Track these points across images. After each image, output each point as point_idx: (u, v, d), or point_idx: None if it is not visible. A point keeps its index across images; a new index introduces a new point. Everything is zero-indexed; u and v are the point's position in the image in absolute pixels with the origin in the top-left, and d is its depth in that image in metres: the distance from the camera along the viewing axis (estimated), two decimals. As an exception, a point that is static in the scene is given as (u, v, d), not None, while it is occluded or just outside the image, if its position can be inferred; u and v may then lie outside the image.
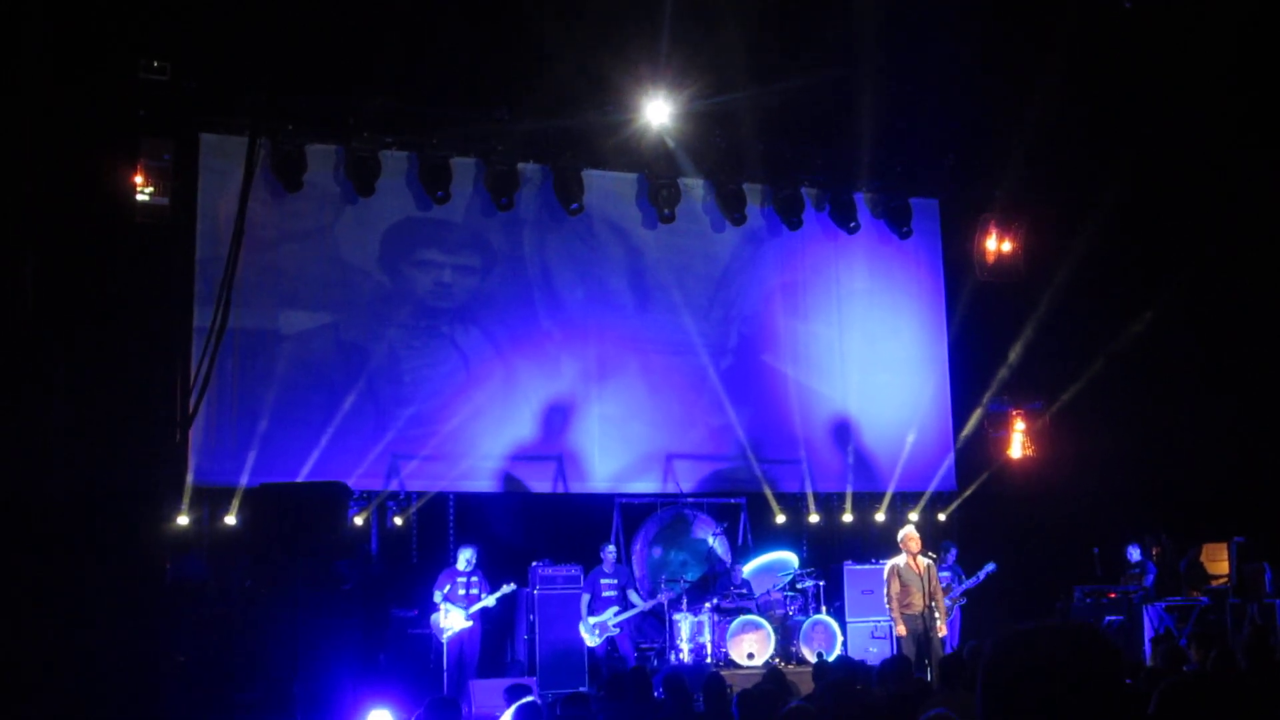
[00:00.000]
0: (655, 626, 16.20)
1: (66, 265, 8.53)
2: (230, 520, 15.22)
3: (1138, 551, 16.62)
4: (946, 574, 16.00)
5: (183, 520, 14.83)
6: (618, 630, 15.49)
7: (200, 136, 15.58)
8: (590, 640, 15.34)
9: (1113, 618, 15.91)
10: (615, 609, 15.49)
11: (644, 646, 16.01)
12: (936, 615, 14.32)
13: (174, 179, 15.00)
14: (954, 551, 16.72)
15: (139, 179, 14.20)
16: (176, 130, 15.08)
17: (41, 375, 8.62)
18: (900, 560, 14.59)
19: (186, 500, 14.95)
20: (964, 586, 16.02)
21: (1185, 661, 10.22)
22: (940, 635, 14.33)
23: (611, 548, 15.94)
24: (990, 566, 15.87)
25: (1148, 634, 15.34)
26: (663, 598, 15.72)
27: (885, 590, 14.59)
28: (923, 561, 14.54)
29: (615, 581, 15.68)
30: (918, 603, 14.33)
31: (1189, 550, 16.98)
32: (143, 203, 14.36)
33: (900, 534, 14.89)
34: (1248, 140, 15.92)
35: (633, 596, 15.79)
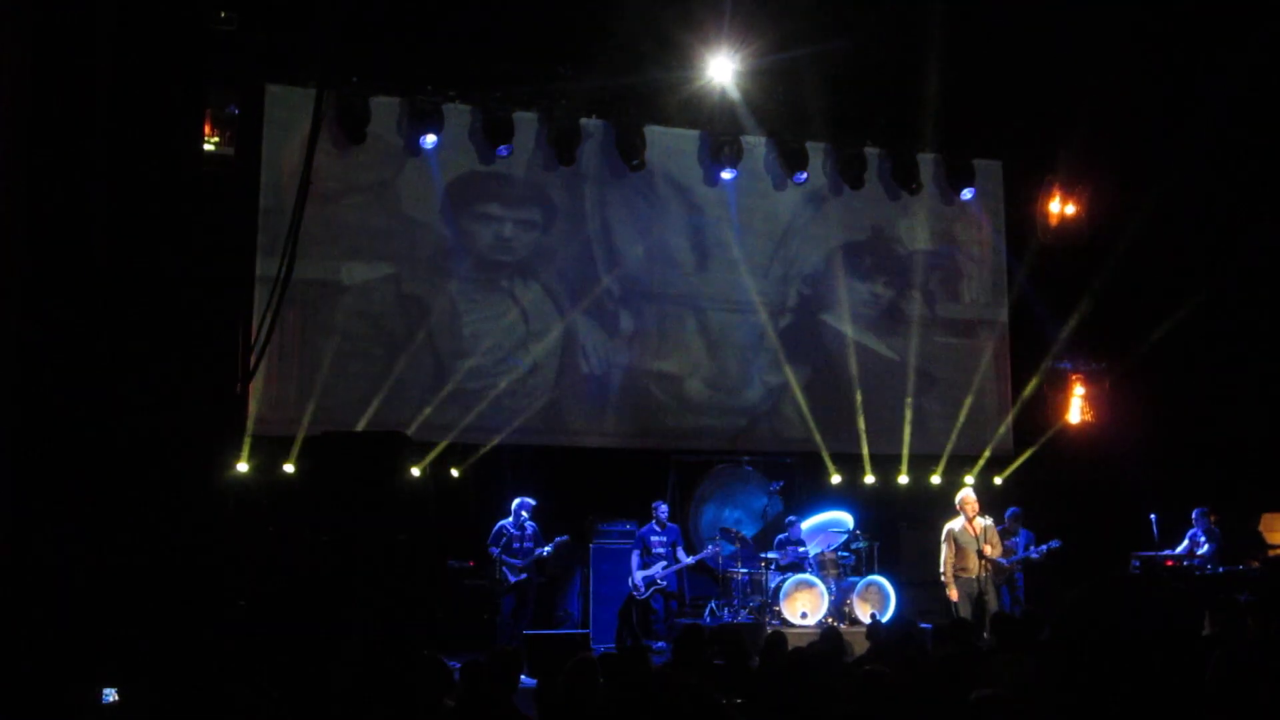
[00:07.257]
0: (708, 583, 16.23)
1: (136, 214, 8.61)
2: (289, 468, 15.37)
3: (1203, 518, 16.37)
4: (1017, 540, 15.89)
5: (242, 467, 14.98)
6: (665, 584, 15.48)
7: (265, 87, 15.65)
8: (640, 594, 15.41)
9: (1168, 585, 15.75)
10: (664, 564, 15.52)
11: (697, 602, 16.06)
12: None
13: (239, 129, 15.09)
14: (1014, 514, 16.43)
15: (206, 129, 14.30)
16: (243, 81, 15.14)
17: (109, 322, 8.73)
18: (956, 524, 14.56)
19: (246, 448, 15.09)
20: (1021, 556, 15.91)
21: (1244, 631, 10.15)
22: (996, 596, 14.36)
23: (665, 505, 15.96)
24: (1054, 543, 15.75)
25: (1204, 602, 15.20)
26: (714, 551, 15.74)
27: (941, 554, 14.60)
28: (979, 524, 14.50)
29: (666, 539, 15.69)
30: (973, 566, 14.32)
31: (1249, 518, 16.81)
32: (209, 153, 14.47)
33: (958, 496, 14.87)
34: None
35: (681, 553, 15.78)
